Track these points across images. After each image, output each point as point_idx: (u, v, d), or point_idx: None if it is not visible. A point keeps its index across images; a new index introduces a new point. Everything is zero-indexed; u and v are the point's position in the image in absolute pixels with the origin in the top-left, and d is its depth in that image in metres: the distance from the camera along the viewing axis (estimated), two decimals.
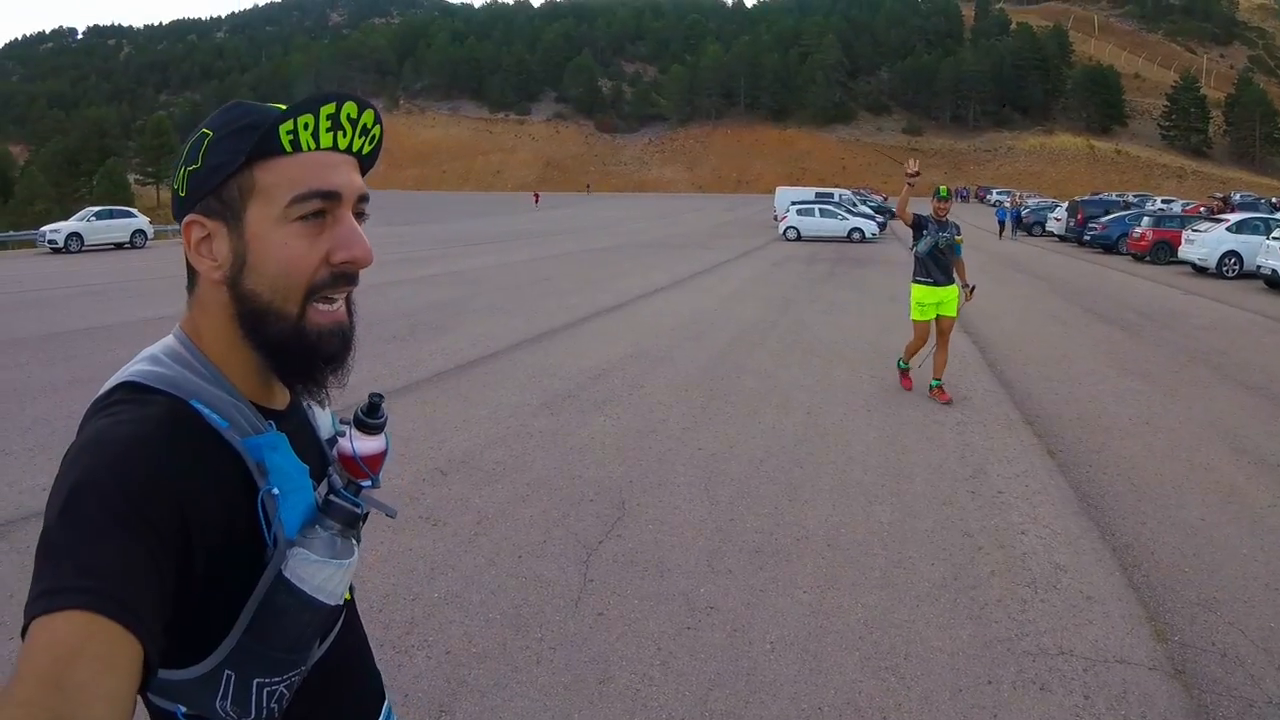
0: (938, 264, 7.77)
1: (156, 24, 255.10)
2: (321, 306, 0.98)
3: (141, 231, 33.07)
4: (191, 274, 1.00)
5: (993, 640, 3.69)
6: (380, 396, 1.08)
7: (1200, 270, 22.26)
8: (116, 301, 15.24)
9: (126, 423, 0.87)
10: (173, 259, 25.45)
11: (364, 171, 1.04)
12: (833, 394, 8.18)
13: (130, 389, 0.93)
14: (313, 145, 0.94)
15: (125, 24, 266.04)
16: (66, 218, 34.40)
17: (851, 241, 32.41)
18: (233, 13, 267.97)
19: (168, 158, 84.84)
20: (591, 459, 6.09)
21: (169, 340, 1.00)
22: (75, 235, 30.74)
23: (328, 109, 0.94)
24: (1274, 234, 19.56)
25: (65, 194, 76.17)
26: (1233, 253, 21.61)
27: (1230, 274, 21.44)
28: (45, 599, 0.75)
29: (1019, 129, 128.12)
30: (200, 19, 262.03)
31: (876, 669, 3.45)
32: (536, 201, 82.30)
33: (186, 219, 0.97)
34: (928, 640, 3.67)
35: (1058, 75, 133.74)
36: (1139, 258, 26.18)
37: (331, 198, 0.96)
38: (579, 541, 4.67)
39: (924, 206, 8.54)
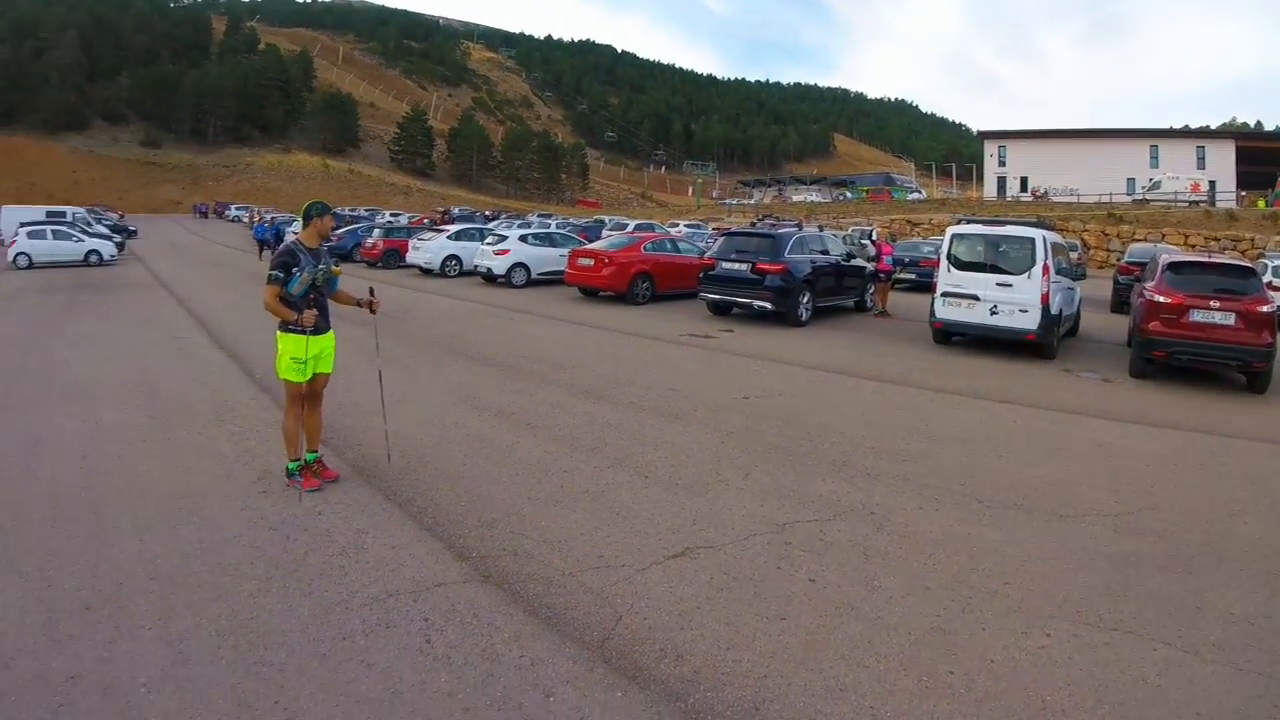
0: (315, 304, 5.83)
1: None
2: None
3: None
4: None
5: (331, 605, 4.09)
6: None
7: (427, 272, 25.43)
8: None
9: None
10: None
11: None
12: (107, 432, 7.38)
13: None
14: None
15: None
16: None
17: (89, 265, 28.92)
18: None
19: None
20: None
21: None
22: None
23: None
24: (486, 240, 23.76)
25: None
26: (454, 256, 25.42)
27: (452, 273, 25.08)
28: None
29: (258, 146, 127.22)
30: None
31: (249, 666, 3.59)
32: None
33: None
34: (281, 630, 3.88)
35: (299, 98, 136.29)
36: (372, 264, 28.57)
37: None
38: None
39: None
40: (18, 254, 28.32)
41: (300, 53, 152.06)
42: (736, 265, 15.89)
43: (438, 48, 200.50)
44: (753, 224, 34.42)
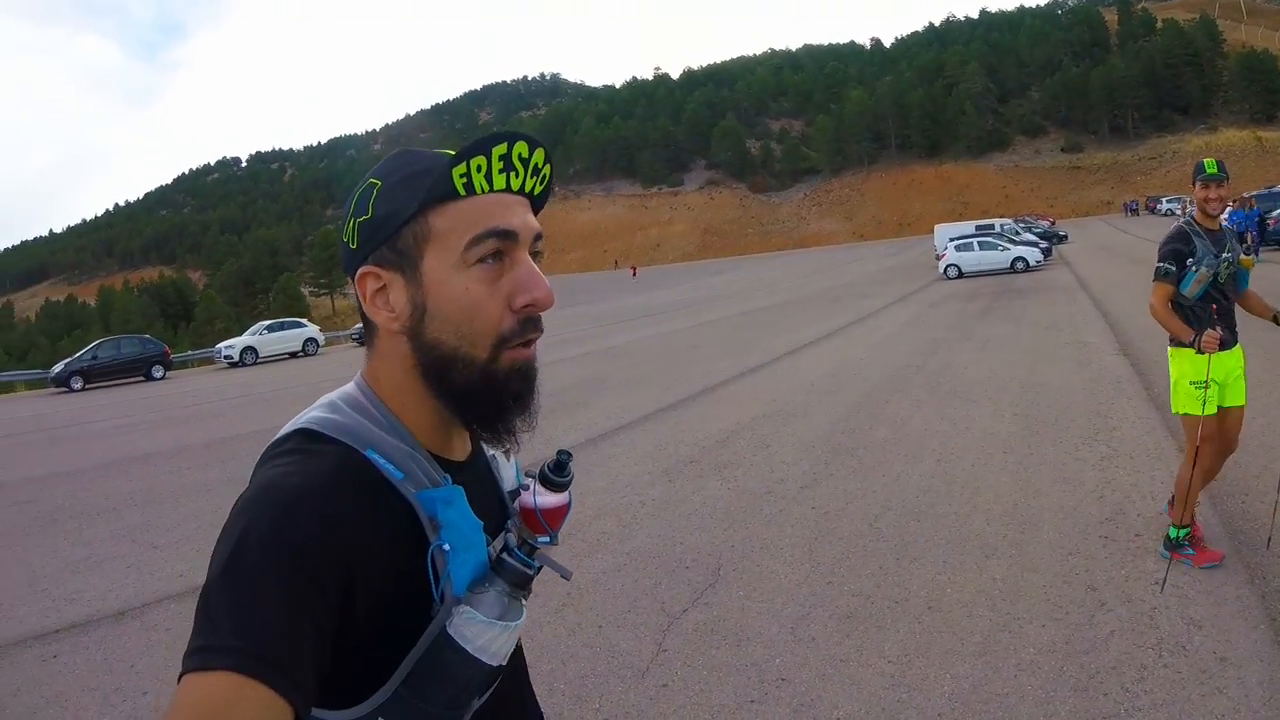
0: (1217, 310, 4.24)
1: (315, 144, 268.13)
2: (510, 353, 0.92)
3: (312, 339, 33.59)
4: (368, 325, 0.96)
5: (1096, 718, 3.05)
6: (568, 454, 1.04)
7: None
8: (285, 406, 14.52)
9: (296, 474, 0.83)
10: (344, 362, 26.42)
11: (535, 212, 0.98)
12: (969, 438, 7.43)
13: (304, 436, 0.89)
14: (486, 187, 0.89)
15: (286, 148, 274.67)
16: (243, 334, 35.75)
17: (1015, 272, 30.42)
18: (386, 124, 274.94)
19: (339, 269, 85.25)
20: (697, 525, 5.79)
21: (349, 387, 0.96)
22: (249, 349, 31.63)
23: (499, 149, 0.89)
24: None
25: (243, 311, 76.18)
26: None
27: None
28: (199, 656, 0.71)
29: (1181, 130, 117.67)
30: (356, 134, 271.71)
31: None
32: (634, 275, 78.95)
33: (360, 271, 0.92)
34: (1019, 718, 3.08)
35: (1213, 69, 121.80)
36: None
37: (508, 237, 0.90)
38: (663, 610, 4.41)
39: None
40: (947, 266, 31.65)
41: (1199, 19, 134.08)
42: None
43: None
44: None
